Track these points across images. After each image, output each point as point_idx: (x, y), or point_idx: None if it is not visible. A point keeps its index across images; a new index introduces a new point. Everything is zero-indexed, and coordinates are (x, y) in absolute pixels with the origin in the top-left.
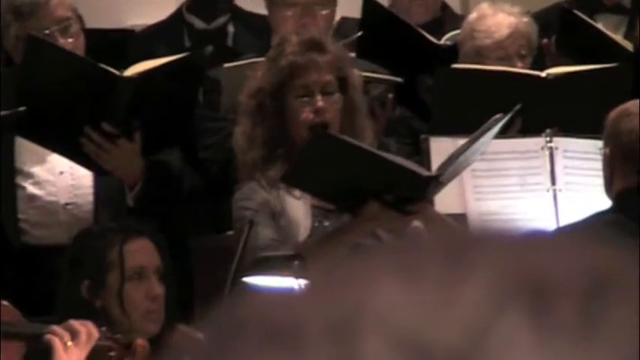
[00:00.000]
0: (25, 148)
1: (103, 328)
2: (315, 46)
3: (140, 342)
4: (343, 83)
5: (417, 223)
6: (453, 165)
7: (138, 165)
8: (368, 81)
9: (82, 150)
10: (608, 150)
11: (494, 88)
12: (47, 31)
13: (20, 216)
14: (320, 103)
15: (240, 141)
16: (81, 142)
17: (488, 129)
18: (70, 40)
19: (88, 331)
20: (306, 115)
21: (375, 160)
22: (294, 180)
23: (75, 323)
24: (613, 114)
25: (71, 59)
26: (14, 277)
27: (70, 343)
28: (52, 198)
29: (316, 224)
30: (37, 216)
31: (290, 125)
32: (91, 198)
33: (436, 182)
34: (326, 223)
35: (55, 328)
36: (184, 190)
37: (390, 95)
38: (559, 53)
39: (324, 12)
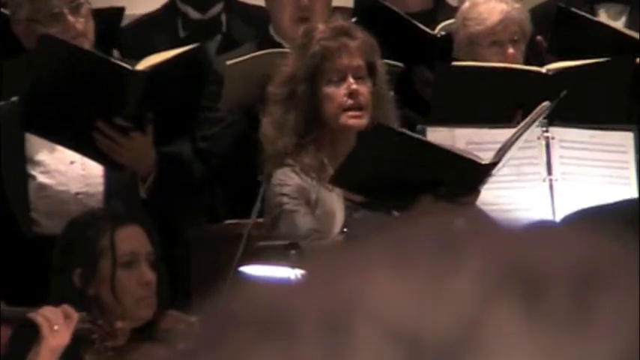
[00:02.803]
0: (35, 138)
1: (83, 313)
2: (344, 32)
3: (121, 325)
4: (372, 70)
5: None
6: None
7: (150, 157)
8: None
9: (94, 145)
10: None
11: (495, 85)
12: (57, 10)
13: (31, 205)
14: (354, 86)
15: (269, 130)
16: (93, 137)
17: (538, 117)
18: (80, 19)
19: (64, 311)
20: (341, 98)
21: (432, 151)
22: (343, 181)
23: (51, 308)
24: None
25: (83, 55)
26: (25, 267)
27: (56, 327)
28: (63, 188)
29: (347, 216)
30: (48, 206)
31: (323, 110)
32: (101, 188)
33: (490, 171)
34: (356, 216)
35: (42, 311)
36: (195, 180)
37: (391, 93)
38: (550, 52)
39: None
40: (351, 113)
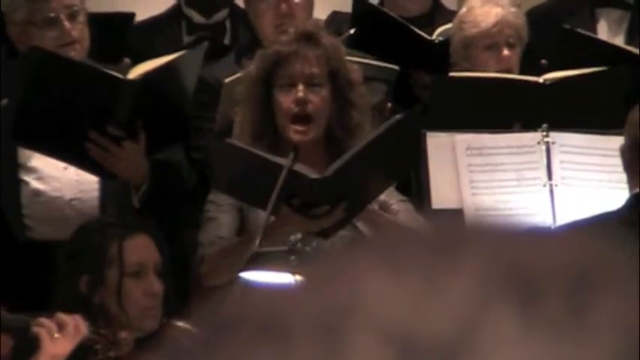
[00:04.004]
0: None
1: (87, 323)
2: (306, 37)
3: (124, 335)
4: (335, 77)
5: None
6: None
7: (143, 166)
8: (365, 81)
9: (86, 155)
10: (623, 144)
11: (492, 95)
12: (53, 14)
13: (25, 211)
14: (300, 94)
15: (235, 129)
16: (85, 148)
17: (383, 132)
18: (77, 26)
19: (75, 324)
20: (288, 105)
21: (266, 164)
22: (220, 187)
23: (62, 315)
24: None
25: (75, 67)
26: (19, 273)
27: (56, 335)
28: (57, 193)
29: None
30: (42, 211)
31: (275, 115)
32: (96, 194)
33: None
34: None
35: (42, 319)
36: (188, 187)
37: (390, 105)
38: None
39: (297, 0)
40: (296, 127)
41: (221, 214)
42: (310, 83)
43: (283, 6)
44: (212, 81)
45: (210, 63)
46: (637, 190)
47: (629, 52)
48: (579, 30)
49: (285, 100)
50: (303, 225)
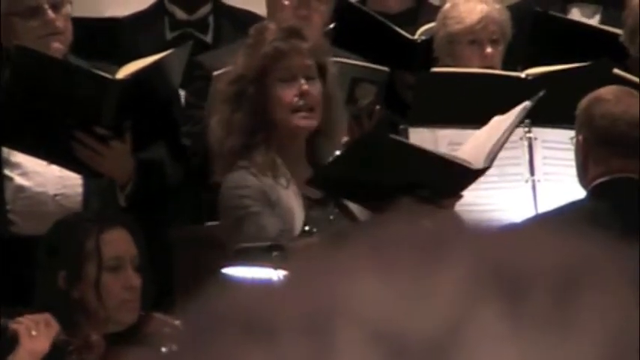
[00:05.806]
0: None
1: (59, 328)
2: (295, 33)
3: (96, 337)
4: (322, 71)
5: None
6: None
7: (129, 165)
8: (356, 82)
9: (73, 155)
10: (581, 137)
11: (475, 91)
12: (36, 3)
13: (9, 207)
14: (305, 87)
15: (218, 130)
16: (72, 148)
17: (521, 117)
18: (61, 17)
19: (45, 319)
20: (291, 98)
21: (421, 156)
22: (321, 182)
23: (33, 315)
24: (585, 101)
25: (62, 67)
26: (3, 269)
27: (34, 333)
28: (41, 189)
29: (305, 214)
30: (26, 207)
31: (272, 110)
32: (80, 189)
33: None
34: (312, 214)
35: (20, 318)
36: (173, 184)
37: (378, 107)
38: (528, 57)
39: (320, 7)
40: (302, 114)
41: (264, 208)
42: (308, 76)
43: (303, 11)
44: (210, 69)
45: (209, 52)
46: (599, 180)
47: (604, 31)
48: (552, 12)
49: (287, 94)
50: (418, 216)
